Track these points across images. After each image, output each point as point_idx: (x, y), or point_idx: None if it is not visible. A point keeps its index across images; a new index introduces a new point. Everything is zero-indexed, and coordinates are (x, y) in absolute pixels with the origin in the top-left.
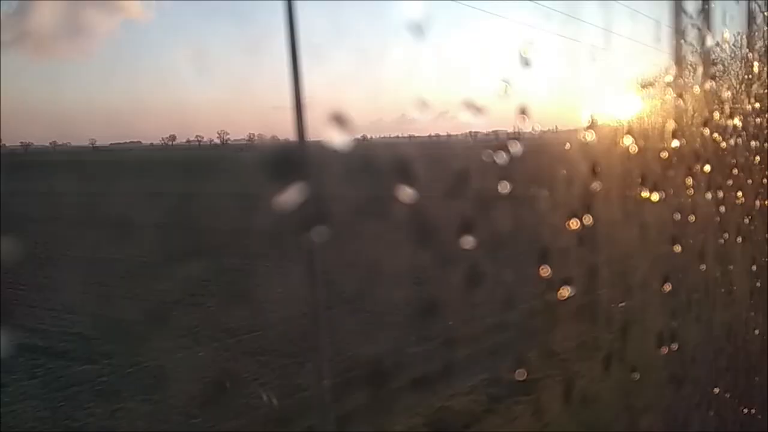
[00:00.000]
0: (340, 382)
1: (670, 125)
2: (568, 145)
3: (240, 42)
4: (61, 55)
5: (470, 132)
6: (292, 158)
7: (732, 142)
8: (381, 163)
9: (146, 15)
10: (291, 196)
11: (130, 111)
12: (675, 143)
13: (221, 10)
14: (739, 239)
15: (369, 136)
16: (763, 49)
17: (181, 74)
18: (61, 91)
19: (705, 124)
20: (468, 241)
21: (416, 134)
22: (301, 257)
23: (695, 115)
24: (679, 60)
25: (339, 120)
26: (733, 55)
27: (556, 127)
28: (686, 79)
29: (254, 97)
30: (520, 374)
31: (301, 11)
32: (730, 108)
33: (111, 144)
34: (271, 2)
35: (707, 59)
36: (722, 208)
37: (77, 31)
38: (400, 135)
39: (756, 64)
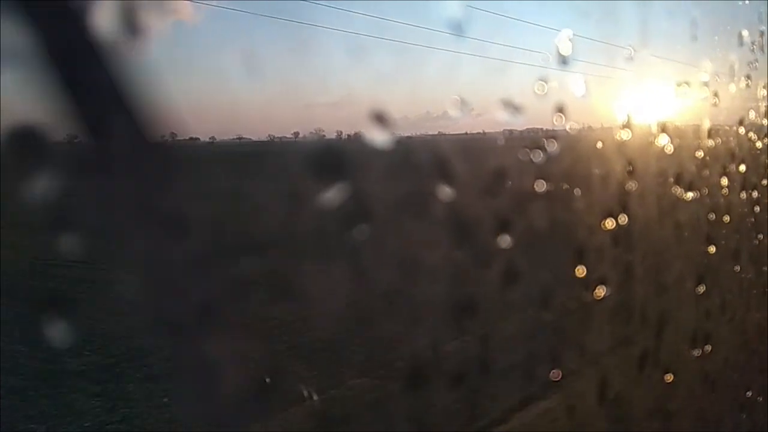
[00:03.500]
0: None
1: None
2: None
3: (284, 41)
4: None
5: (504, 130)
6: (335, 156)
7: None
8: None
9: (196, 17)
10: (334, 193)
11: (181, 109)
12: None
13: (267, 11)
14: None
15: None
16: None
17: (228, 73)
18: None
19: None
20: (505, 240)
21: (446, 132)
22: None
23: None
24: None
25: (379, 118)
26: None
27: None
28: None
29: (298, 95)
30: (555, 375)
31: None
32: None
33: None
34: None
35: None
36: None
37: (131, 32)
38: (426, 133)
39: None
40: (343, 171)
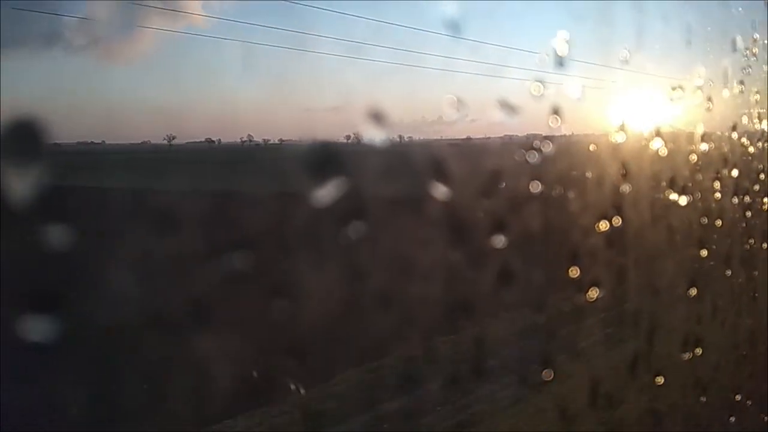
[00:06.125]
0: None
1: None
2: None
3: (283, 45)
4: (126, 60)
5: (504, 135)
6: (330, 156)
7: None
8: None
9: (207, 21)
10: (328, 192)
11: (179, 112)
12: None
13: (271, 13)
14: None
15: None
16: None
17: (229, 77)
18: (121, 92)
19: None
20: (499, 240)
21: (444, 136)
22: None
23: None
24: None
25: (376, 118)
26: None
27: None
28: None
29: (293, 98)
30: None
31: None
32: None
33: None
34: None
35: None
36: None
37: (143, 36)
38: (428, 138)
39: None
40: (344, 172)
